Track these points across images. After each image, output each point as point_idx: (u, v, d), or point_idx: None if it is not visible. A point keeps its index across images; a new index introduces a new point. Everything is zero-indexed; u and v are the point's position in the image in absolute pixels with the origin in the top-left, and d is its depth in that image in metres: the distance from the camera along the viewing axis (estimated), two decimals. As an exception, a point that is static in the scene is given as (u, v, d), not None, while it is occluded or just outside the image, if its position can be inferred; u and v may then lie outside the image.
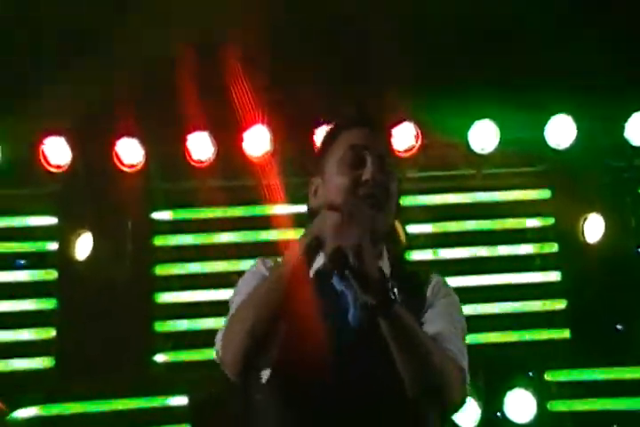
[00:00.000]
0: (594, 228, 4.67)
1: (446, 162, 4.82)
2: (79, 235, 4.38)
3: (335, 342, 2.02)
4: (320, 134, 4.40)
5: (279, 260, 2.15)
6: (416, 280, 2.22)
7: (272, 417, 2.07)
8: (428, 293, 2.18)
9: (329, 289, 2.12)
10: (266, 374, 2.07)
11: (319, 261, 2.10)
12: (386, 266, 2.18)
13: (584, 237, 4.69)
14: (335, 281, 2.13)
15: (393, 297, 1.96)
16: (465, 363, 2.11)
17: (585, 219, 4.68)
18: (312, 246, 1.99)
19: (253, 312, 1.96)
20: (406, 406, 2.03)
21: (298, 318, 2.01)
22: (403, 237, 4.57)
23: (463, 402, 2.10)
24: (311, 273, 2.09)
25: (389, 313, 1.94)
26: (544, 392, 4.57)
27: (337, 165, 2.13)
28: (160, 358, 4.54)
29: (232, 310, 2.10)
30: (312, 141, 4.43)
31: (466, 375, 2.10)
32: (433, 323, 2.11)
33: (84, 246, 4.40)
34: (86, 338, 4.35)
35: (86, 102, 4.09)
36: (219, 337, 2.09)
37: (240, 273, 3.82)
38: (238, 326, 1.98)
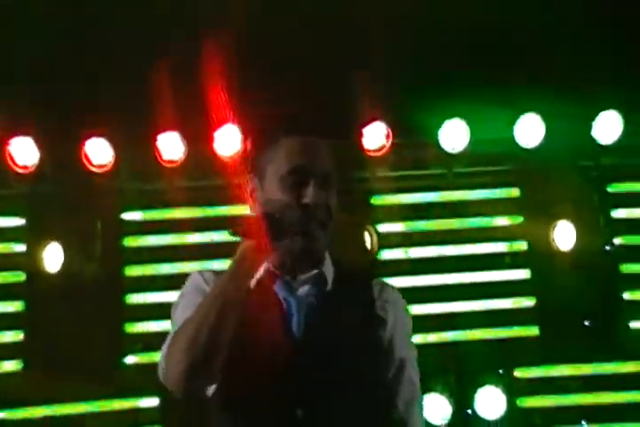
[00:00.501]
0: (563, 231, 4.77)
1: (417, 161, 4.89)
2: (49, 241, 4.37)
3: (279, 352, 2.06)
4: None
5: (217, 271, 2.17)
6: (361, 285, 2.24)
7: None
8: (388, 314, 2.20)
9: (272, 298, 2.14)
10: (211, 389, 2.08)
11: (260, 270, 2.12)
12: (328, 269, 2.20)
13: (553, 237, 4.79)
14: (278, 289, 2.15)
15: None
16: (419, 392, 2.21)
17: (554, 226, 4.77)
18: (249, 256, 2.01)
19: (194, 331, 1.95)
20: (356, 414, 2.08)
21: (240, 331, 2.01)
22: (374, 245, 4.68)
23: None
24: (252, 283, 2.10)
25: None
26: (514, 389, 4.68)
27: (277, 184, 2.12)
28: (130, 359, 4.57)
29: (174, 328, 2.10)
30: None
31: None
32: (400, 347, 2.18)
33: (53, 252, 4.40)
34: (55, 340, 4.37)
35: (55, 102, 4.09)
36: (162, 353, 2.08)
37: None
38: (181, 345, 1.96)
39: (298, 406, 2.04)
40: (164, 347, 2.07)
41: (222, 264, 4.33)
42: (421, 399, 2.24)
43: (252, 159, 2.22)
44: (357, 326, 2.13)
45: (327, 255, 2.23)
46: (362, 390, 2.10)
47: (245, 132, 4.37)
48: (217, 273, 2.18)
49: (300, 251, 2.10)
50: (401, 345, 2.19)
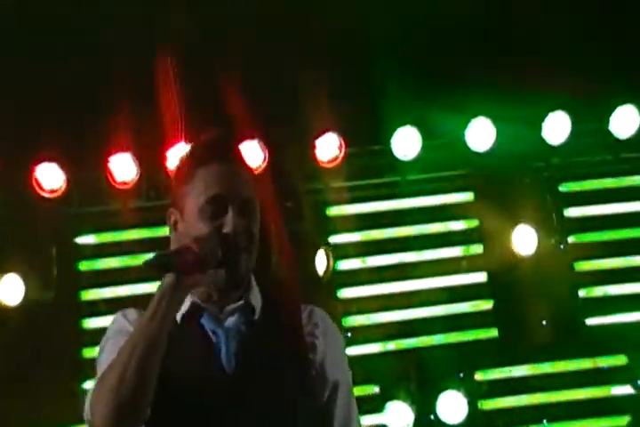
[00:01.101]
0: (522, 234, 4.91)
1: (370, 170, 4.99)
2: (4, 272, 4.38)
3: (210, 386, 2.07)
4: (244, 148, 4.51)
5: (141, 310, 2.12)
6: (290, 311, 2.24)
7: None
8: (318, 338, 2.21)
9: (198, 331, 2.15)
10: None
11: (186, 303, 2.13)
12: (256, 298, 2.21)
13: (512, 241, 4.92)
14: (205, 321, 2.16)
15: None
16: None
17: (513, 229, 4.90)
18: (169, 293, 1.98)
19: (118, 374, 1.94)
20: None
21: (169, 368, 2.02)
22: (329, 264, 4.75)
23: None
24: (178, 317, 2.12)
25: None
26: (475, 392, 4.81)
27: (196, 216, 2.10)
28: (89, 385, 4.59)
29: (98, 373, 2.09)
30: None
31: None
32: (332, 370, 2.19)
33: (9, 283, 4.41)
34: (9, 364, 4.38)
35: (3, 128, 4.09)
36: (88, 399, 2.06)
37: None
38: (107, 387, 1.95)
39: None
40: (89, 392, 2.07)
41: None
42: (359, 421, 2.28)
43: (172, 194, 2.23)
44: (287, 353, 2.14)
45: (254, 283, 2.24)
46: (296, 418, 2.12)
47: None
48: (141, 312, 2.13)
49: (223, 282, 2.10)
50: (333, 368, 2.20)
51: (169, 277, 1.99)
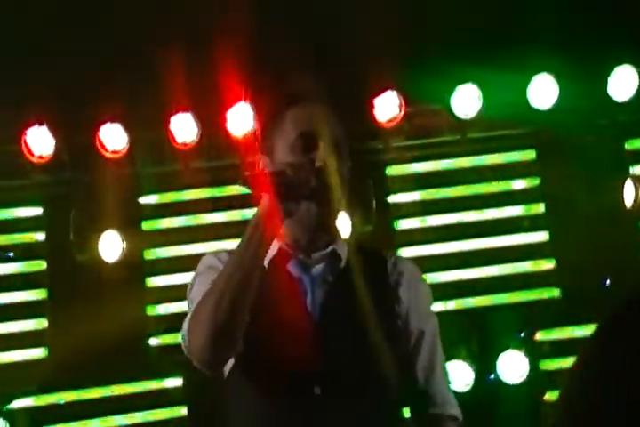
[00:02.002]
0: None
1: (430, 129, 5.07)
2: (69, 229, 4.58)
3: (296, 331, 2.17)
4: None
5: (231, 251, 2.24)
6: (376, 260, 2.32)
7: (238, 412, 2.24)
8: (403, 287, 2.29)
9: (286, 276, 2.24)
10: (228, 367, 2.24)
11: (273, 249, 2.24)
12: (342, 247, 2.29)
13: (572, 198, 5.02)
14: (291, 267, 2.25)
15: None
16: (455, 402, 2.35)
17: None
18: (263, 222, 2.06)
19: (216, 300, 2.04)
20: (378, 392, 2.21)
21: (257, 311, 2.12)
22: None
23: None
24: (266, 262, 2.21)
25: None
26: (536, 352, 4.92)
27: (287, 151, 2.18)
28: (154, 341, 4.82)
29: (190, 306, 2.24)
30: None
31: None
32: (417, 319, 2.28)
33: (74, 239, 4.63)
34: (78, 326, 4.55)
35: (67, 89, 4.27)
36: (184, 328, 2.19)
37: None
38: (204, 313, 2.07)
39: (315, 384, 2.16)
40: (186, 321, 2.20)
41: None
42: (444, 368, 2.38)
43: (260, 140, 2.32)
44: (373, 302, 2.19)
45: (340, 233, 2.34)
46: (379, 364, 2.20)
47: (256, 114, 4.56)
48: (230, 252, 2.25)
49: (314, 218, 2.17)
50: (418, 318, 2.30)
51: (265, 201, 2.06)
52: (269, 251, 2.21)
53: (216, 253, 2.33)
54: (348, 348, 2.18)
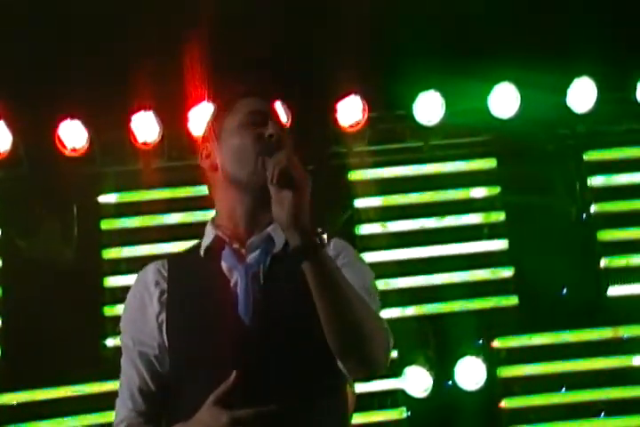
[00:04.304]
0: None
1: (393, 135, 5.04)
2: (25, 227, 4.49)
3: (226, 335, 2.03)
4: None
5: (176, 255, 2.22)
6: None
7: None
8: (331, 253, 2.06)
9: (218, 268, 2.10)
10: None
11: (209, 236, 2.13)
12: (278, 232, 2.08)
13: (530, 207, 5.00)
14: (225, 258, 2.11)
15: (320, 241, 1.91)
16: (387, 325, 2.05)
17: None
18: None
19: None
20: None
21: (190, 305, 2.06)
22: None
23: (386, 364, 2.03)
24: (202, 250, 2.12)
25: (318, 257, 1.89)
26: (494, 359, 4.88)
27: (236, 129, 2.11)
28: (110, 342, 4.72)
29: (122, 360, 2.19)
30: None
31: (390, 337, 2.05)
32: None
33: (29, 237, 4.53)
34: (34, 326, 4.50)
35: (27, 86, 4.18)
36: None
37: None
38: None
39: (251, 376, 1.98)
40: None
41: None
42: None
43: (208, 131, 2.22)
44: (303, 287, 1.97)
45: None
46: (315, 355, 2.00)
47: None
48: (174, 259, 2.20)
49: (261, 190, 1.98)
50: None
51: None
52: (205, 239, 2.14)
53: (148, 271, 2.19)
54: (279, 349, 2.02)
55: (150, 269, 2.18)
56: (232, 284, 2.08)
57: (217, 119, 2.21)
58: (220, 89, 4.03)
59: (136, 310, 2.17)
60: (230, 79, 4.00)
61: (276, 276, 2.06)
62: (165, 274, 2.14)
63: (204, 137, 2.24)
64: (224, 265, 2.11)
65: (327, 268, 1.91)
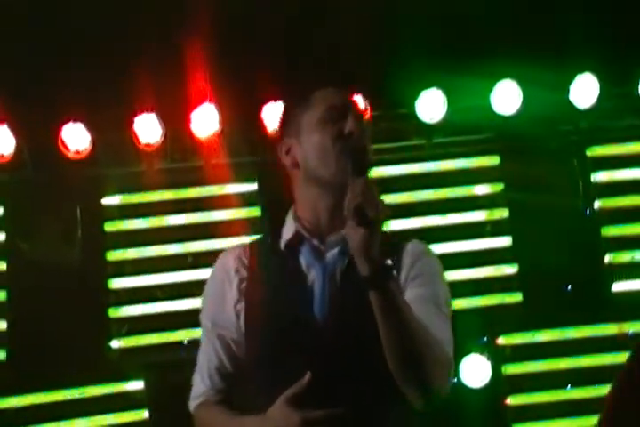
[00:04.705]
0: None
1: (395, 133, 5.03)
2: (29, 229, 4.50)
3: (299, 328, 2.08)
4: (269, 109, 4.61)
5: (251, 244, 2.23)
6: (391, 244, 2.14)
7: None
8: (406, 260, 2.14)
9: (296, 265, 2.15)
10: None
11: (290, 230, 2.17)
12: None
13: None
14: (304, 254, 2.15)
15: (389, 270, 1.97)
16: (452, 353, 2.10)
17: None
18: None
19: None
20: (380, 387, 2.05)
21: (266, 300, 2.11)
22: None
23: (447, 391, 2.07)
24: (282, 244, 2.17)
25: (384, 288, 1.95)
26: (498, 356, 4.89)
27: (315, 124, 2.15)
28: (115, 343, 4.73)
29: (202, 338, 2.25)
30: (260, 120, 4.64)
31: (452, 369, 2.10)
32: (418, 304, 2.06)
33: (33, 240, 4.53)
34: (38, 328, 4.51)
35: (29, 88, 4.19)
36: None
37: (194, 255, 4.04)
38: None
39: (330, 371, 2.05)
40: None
41: (204, 245, 4.50)
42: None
43: (285, 124, 2.26)
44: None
45: None
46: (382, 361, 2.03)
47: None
48: (255, 246, 2.24)
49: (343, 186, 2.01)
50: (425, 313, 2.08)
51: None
52: (286, 233, 2.18)
53: (227, 256, 2.27)
54: (352, 351, 2.07)
55: (231, 255, 2.24)
56: (309, 281, 2.13)
57: (295, 114, 2.23)
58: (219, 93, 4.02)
59: (216, 294, 2.22)
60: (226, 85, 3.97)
61: (352, 278, 2.06)
62: (246, 262, 2.20)
63: (282, 132, 2.28)
64: (302, 261, 2.16)
65: (392, 299, 1.96)
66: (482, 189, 5.09)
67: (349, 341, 2.07)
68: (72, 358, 4.52)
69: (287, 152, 2.22)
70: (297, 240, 2.17)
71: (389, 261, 1.98)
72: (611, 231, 5.09)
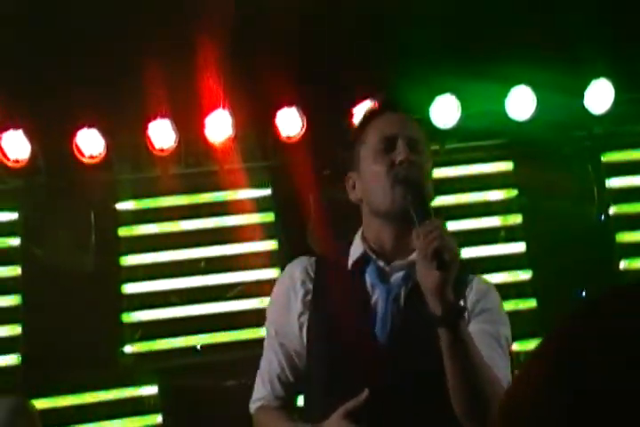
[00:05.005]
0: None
1: (409, 139, 5.03)
2: (43, 234, 4.52)
3: (359, 347, 2.15)
4: (283, 115, 4.64)
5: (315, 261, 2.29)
6: (458, 280, 2.13)
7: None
8: (472, 297, 2.19)
9: (361, 284, 2.21)
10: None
11: (358, 250, 2.23)
12: None
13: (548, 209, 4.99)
14: (369, 274, 2.21)
15: (460, 314, 2.02)
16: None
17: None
18: None
19: None
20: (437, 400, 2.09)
21: (328, 317, 2.17)
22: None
23: None
24: (350, 262, 2.23)
25: (455, 327, 1.99)
26: (513, 362, 4.88)
27: (371, 158, 2.23)
28: (129, 348, 4.75)
29: (265, 342, 2.31)
30: (274, 125, 4.66)
31: None
32: (480, 338, 2.11)
33: (47, 244, 4.56)
34: (52, 333, 4.53)
35: (44, 94, 4.21)
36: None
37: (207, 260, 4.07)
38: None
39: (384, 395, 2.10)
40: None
41: (218, 251, 4.49)
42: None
43: (348, 158, 2.34)
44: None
45: None
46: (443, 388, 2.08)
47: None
48: (322, 261, 2.31)
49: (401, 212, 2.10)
50: (480, 340, 2.14)
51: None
52: (354, 252, 2.24)
53: (299, 264, 2.33)
54: (411, 371, 2.12)
55: (298, 266, 2.31)
56: (373, 301, 2.19)
57: (353, 147, 2.33)
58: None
59: (281, 304, 2.29)
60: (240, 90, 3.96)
61: (415, 303, 2.13)
62: (312, 275, 2.26)
63: (346, 168, 2.36)
64: (368, 281, 2.22)
65: (461, 337, 2.01)
66: (496, 195, 5.10)
67: (407, 364, 2.13)
68: (85, 363, 4.54)
69: (353, 186, 2.30)
70: (364, 260, 2.23)
71: (462, 303, 2.06)
72: (625, 237, 5.09)
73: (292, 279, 2.29)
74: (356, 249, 2.26)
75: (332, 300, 2.20)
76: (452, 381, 2.02)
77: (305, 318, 2.23)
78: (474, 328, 2.14)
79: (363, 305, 2.19)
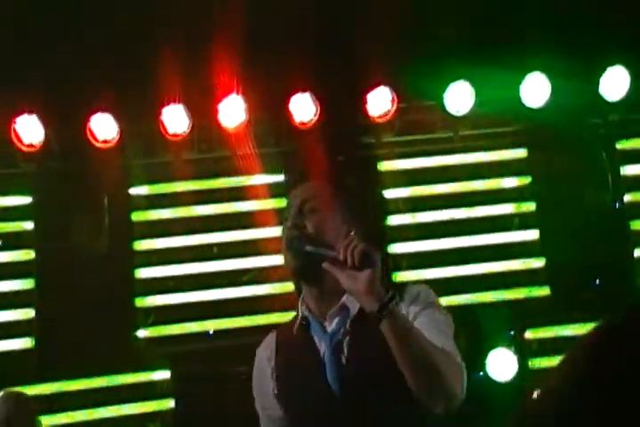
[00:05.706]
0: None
1: (423, 125, 5.05)
2: (57, 218, 4.56)
3: (319, 403, 2.29)
4: (296, 100, 4.66)
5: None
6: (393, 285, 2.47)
7: None
8: (407, 300, 2.30)
9: (308, 343, 2.35)
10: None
11: (300, 313, 2.36)
12: (351, 300, 2.32)
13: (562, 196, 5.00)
14: (314, 331, 2.36)
15: (394, 298, 2.15)
16: (460, 358, 2.28)
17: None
18: None
19: None
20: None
21: (286, 382, 2.33)
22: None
23: (463, 394, 2.26)
24: (294, 328, 2.36)
25: (393, 314, 2.14)
26: (525, 350, 4.91)
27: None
28: (142, 333, 4.79)
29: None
30: (287, 110, 4.68)
31: (464, 369, 2.27)
32: (424, 330, 2.22)
33: (61, 229, 4.60)
34: (66, 317, 4.58)
35: (58, 79, 4.23)
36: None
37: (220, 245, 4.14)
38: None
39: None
40: None
41: (230, 236, 4.52)
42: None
43: None
44: (383, 347, 2.19)
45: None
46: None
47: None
48: (281, 332, 2.46)
49: (292, 268, 2.35)
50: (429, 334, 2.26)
51: None
52: (299, 316, 2.39)
53: (258, 354, 2.49)
54: (369, 415, 2.26)
55: (264, 345, 2.49)
56: (321, 354, 2.33)
57: None
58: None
59: (259, 384, 2.45)
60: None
61: (357, 340, 2.31)
62: (274, 349, 2.43)
63: None
64: (315, 337, 2.37)
65: (403, 322, 2.16)
66: (509, 182, 5.11)
67: (363, 409, 2.26)
68: (98, 347, 4.58)
69: None
70: (306, 321, 2.37)
71: (392, 292, 2.17)
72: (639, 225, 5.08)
73: (261, 359, 2.45)
74: (300, 313, 2.39)
75: (291, 366, 2.36)
76: (406, 362, 2.15)
77: (276, 389, 2.38)
78: (417, 324, 2.27)
79: (315, 361, 2.32)
